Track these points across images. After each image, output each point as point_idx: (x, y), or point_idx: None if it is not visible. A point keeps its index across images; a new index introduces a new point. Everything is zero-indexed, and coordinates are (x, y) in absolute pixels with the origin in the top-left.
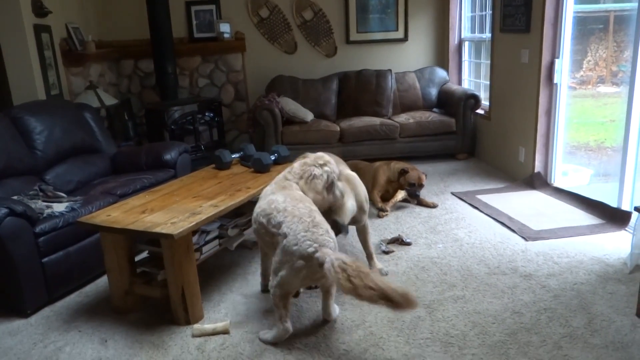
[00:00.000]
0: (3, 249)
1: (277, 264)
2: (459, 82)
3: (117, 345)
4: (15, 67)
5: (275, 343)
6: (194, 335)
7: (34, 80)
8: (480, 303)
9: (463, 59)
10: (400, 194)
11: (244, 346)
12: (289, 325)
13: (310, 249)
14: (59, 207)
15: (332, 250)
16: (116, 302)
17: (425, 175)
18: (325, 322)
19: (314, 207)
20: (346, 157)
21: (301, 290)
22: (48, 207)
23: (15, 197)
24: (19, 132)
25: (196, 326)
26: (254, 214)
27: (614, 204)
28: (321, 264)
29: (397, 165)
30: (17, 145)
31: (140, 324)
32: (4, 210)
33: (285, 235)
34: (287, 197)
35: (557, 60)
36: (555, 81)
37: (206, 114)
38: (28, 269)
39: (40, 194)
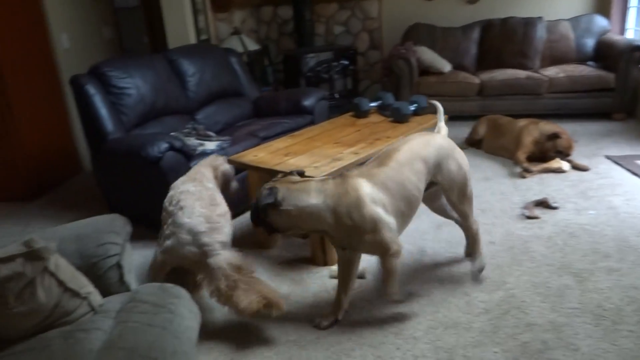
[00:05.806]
0: (164, 179)
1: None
2: (621, 32)
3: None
4: (171, 11)
5: None
6: (331, 277)
7: (185, 25)
8: (639, 278)
9: (629, 5)
10: (557, 164)
11: (372, 293)
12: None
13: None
14: (210, 145)
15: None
16: (259, 238)
17: (575, 143)
18: (464, 282)
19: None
20: (484, 112)
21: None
22: (201, 144)
23: (173, 134)
24: (174, 74)
25: (333, 268)
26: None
27: None
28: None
29: (547, 127)
30: (173, 86)
31: (280, 260)
32: (165, 145)
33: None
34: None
35: None
36: None
37: (341, 61)
38: None
39: (194, 132)
